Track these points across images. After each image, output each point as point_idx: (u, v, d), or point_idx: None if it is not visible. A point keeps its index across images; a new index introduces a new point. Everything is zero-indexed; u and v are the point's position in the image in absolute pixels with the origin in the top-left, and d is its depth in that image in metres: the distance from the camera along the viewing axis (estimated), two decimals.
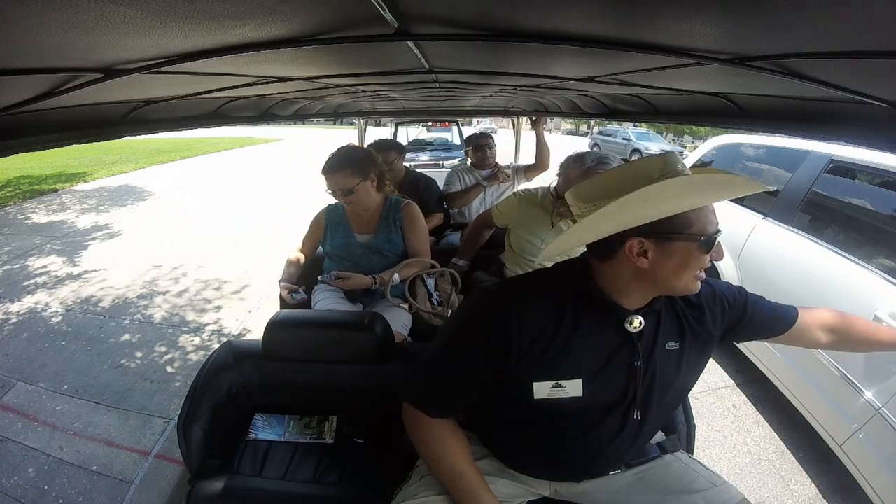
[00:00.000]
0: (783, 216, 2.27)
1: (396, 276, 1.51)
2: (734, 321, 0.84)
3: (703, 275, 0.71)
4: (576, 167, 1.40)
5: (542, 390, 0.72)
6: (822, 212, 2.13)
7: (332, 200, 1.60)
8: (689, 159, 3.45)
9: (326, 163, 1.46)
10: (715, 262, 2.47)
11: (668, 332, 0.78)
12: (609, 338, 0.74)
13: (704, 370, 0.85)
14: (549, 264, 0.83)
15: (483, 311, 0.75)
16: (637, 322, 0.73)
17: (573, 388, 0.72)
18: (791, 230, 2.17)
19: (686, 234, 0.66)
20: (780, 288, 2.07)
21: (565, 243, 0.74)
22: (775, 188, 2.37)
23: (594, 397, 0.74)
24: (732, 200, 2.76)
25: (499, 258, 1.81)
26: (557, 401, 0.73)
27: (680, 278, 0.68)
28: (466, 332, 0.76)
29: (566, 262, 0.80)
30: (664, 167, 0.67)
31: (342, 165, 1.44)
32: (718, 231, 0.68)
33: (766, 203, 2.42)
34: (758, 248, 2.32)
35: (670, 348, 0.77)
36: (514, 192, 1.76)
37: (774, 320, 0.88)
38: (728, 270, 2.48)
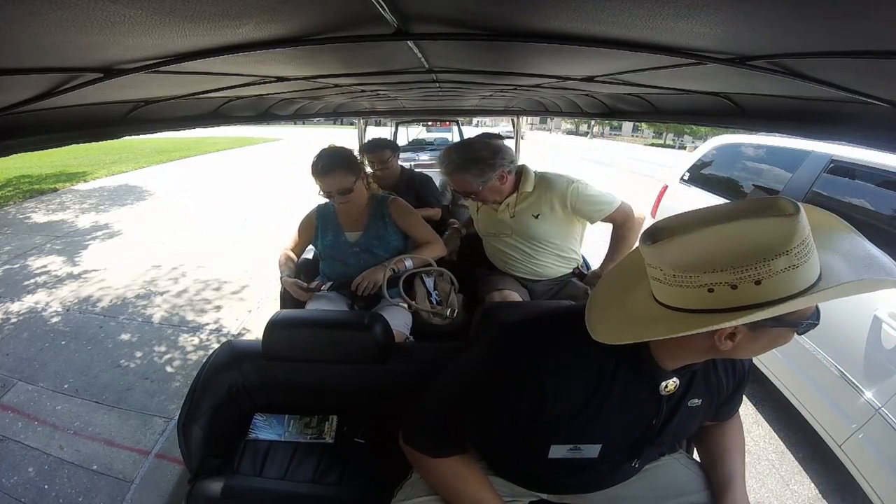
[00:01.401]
0: None
1: (409, 261, 1.53)
2: (734, 388, 0.80)
3: None
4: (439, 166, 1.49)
5: (559, 451, 0.69)
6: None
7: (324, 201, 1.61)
8: (689, 159, 3.45)
9: (319, 165, 1.43)
10: None
11: (697, 389, 0.74)
12: (639, 399, 0.69)
13: None
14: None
15: (517, 372, 0.66)
16: (672, 384, 0.68)
17: (590, 450, 0.70)
18: None
19: (785, 321, 0.54)
20: None
21: (650, 330, 0.57)
22: None
23: (608, 458, 0.72)
24: (713, 193, 2.83)
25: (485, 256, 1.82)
26: (570, 460, 0.70)
27: (753, 355, 0.62)
28: (494, 389, 0.68)
29: None
30: (790, 239, 0.48)
31: (337, 166, 1.42)
32: (817, 313, 0.57)
33: None
34: None
35: (692, 405, 0.74)
36: None
37: (734, 405, 0.85)
38: None
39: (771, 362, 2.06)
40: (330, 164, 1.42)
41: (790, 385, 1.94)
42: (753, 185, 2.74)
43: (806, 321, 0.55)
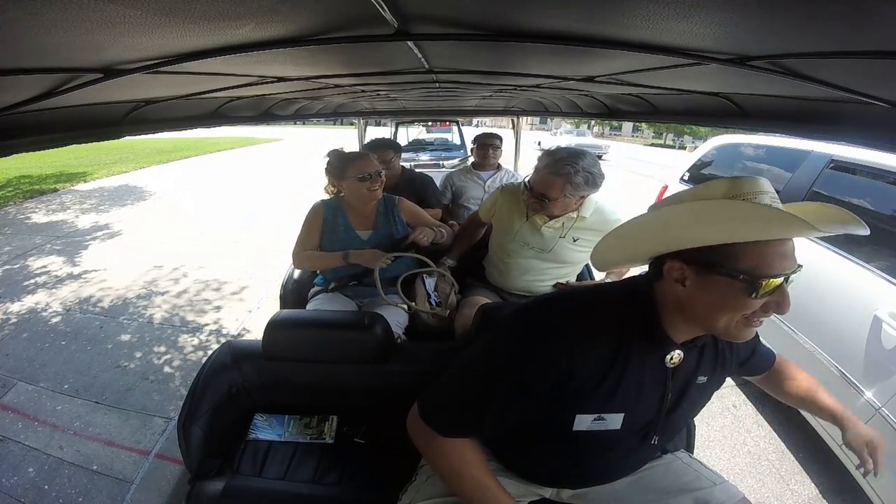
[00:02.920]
0: None
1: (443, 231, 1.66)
2: (746, 357, 0.86)
3: (757, 322, 0.61)
4: (546, 159, 1.38)
5: (584, 422, 0.70)
6: None
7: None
8: (689, 159, 3.44)
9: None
10: None
11: (705, 367, 0.76)
12: (650, 370, 0.71)
13: None
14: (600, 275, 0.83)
15: (544, 347, 0.67)
16: (677, 357, 0.70)
17: (613, 421, 0.71)
18: None
19: (727, 269, 0.57)
20: None
21: (595, 255, 0.74)
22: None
23: (628, 428, 0.73)
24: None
25: (483, 263, 1.76)
26: (595, 433, 0.71)
27: (717, 319, 0.61)
28: (520, 365, 0.68)
29: (635, 277, 0.76)
30: (730, 189, 0.58)
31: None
32: (780, 276, 0.56)
33: None
34: None
35: (700, 382, 0.76)
36: (500, 186, 1.75)
37: (762, 359, 0.92)
38: None
39: None
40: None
41: None
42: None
43: (751, 276, 0.56)
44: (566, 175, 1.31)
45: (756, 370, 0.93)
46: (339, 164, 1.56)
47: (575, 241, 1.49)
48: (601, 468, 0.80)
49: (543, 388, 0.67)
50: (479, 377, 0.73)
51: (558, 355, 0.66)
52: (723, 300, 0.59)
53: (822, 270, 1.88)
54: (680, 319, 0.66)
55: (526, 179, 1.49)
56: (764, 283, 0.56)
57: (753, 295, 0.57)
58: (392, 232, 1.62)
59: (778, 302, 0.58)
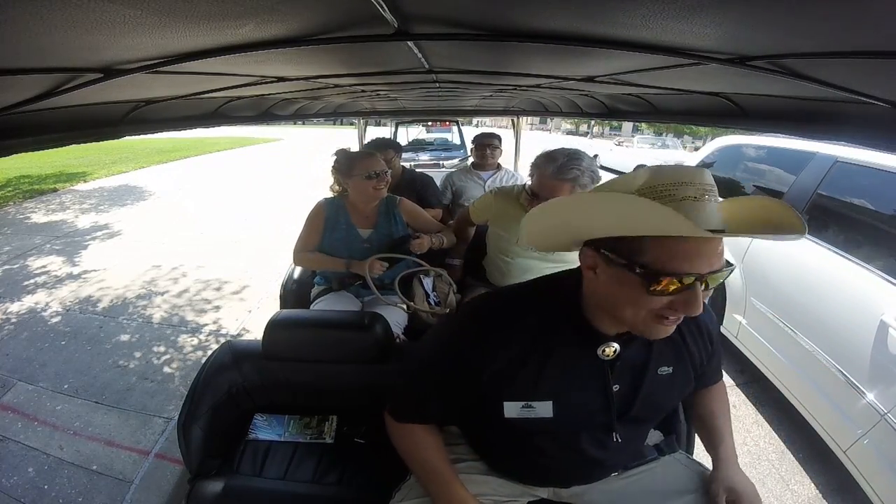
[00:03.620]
0: None
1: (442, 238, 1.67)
2: (706, 359, 0.83)
3: (669, 321, 0.59)
4: (548, 165, 1.36)
5: (513, 410, 0.72)
6: (827, 214, 2.07)
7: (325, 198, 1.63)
8: (692, 160, 3.39)
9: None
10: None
11: (663, 357, 0.75)
12: (583, 361, 0.71)
13: None
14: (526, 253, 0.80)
15: (461, 328, 0.76)
16: (610, 350, 0.70)
17: (543, 409, 0.71)
18: None
19: (628, 261, 0.56)
20: (784, 292, 2.04)
21: (523, 230, 0.68)
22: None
23: (565, 419, 0.72)
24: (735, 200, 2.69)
25: (482, 264, 1.77)
26: (527, 420, 0.72)
27: (621, 310, 0.60)
28: (445, 348, 0.77)
29: (565, 272, 0.76)
30: (649, 180, 0.56)
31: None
32: (684, 275, 0.53)
33: None
34: (762, 252, 2.27)
35: (663, 373, 0.75)
36: (490, 189, 1.75)
37: (713, 374, 0.89)
38: (732, 274, 2.48)
39: (775, 365, 2.05)
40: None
41: (795, 390, 1.92)
42: (754, 185, 2.72)
43: (647, 269, 0.54)
44: (574, 178, 1.31)
45: (703, 381, 0.88)
46: (346, 162, 1.57)
47: None
48: (577, 464, 0.79)
49: (469, 374, 0.71)
50: (419, 368, 0.81)
51: (478, 343, 0.71)
52: (623, 292, 0.58)
53: (828, 274, 1.85)
54: (600, 310, 0.67)
55: (526, 186, 1.48)
56: (664, 280, 0.53)
57: (651, 290, 0.55)
58: (392, 231, 1.62)
59: (685, 302, 0.55)
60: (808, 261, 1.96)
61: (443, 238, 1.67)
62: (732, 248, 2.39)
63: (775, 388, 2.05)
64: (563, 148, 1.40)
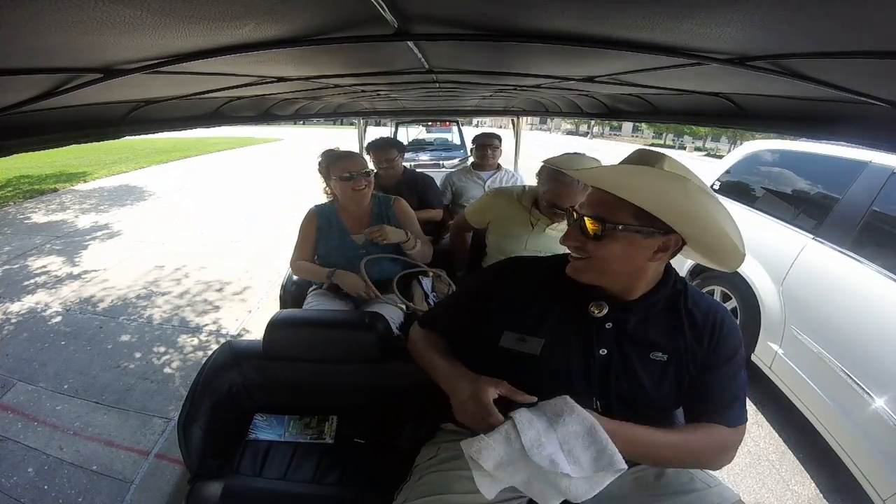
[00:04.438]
0: (837, 237, 1.90)
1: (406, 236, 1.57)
2: (714, 365, 0.76)
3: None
4: (558, 173, 1.36)
5: (509, 339, 0.80)
6: (884, 235, 1.79)
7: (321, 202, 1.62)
8: (719, 166, 2.99)
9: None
10: (752, 284, 2.03)
11: (659, 341, 0.75)
12: (577, 316, 0.77)
13: None
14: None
15: (492, 267, 0.93)
16: (599, 308, 0.75)
17: (533, 345, 0.79)
18: (847, 254, 1.82)
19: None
20: (832, 323, 1.77)
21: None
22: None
23: (547, 362, 0.78)
24: (774, 216, 2.35)
25: (481, 264, 1.75)
26: (516, 352, 0.79)
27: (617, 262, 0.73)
28: (475, 278, 0.97)
29: None
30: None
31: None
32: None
33: (817, 220, 2.07)
34: (807, 275, 1.97)
35: (655, 358, 0.75)
36: (487, 191, 1.73)
37: (710, 400, 0.77)
38: (768, 298, 2.10)
39: (815, 404, 1.80)
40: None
41: (836, 433, 1.68)
42: (791, 196, 2.39)
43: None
44: (585, 186, 1.31)
45: (714, 412, 0.78)
46: (325, 163, 1.53)
47: None
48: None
49: (485, 297, 0.85)
50: (454, 294, 1.03)
51: (499, 274, 0.88)
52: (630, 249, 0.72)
53: (884, 304, 1.62)
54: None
55: (527, 188, 1.48)
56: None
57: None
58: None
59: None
60: (862, 287, 1.71)
61: (417, 245, 1.57)
62: (772, 268, 2.13)
63: (775, 387, 2.04)
64: (565, 153, 1.41)
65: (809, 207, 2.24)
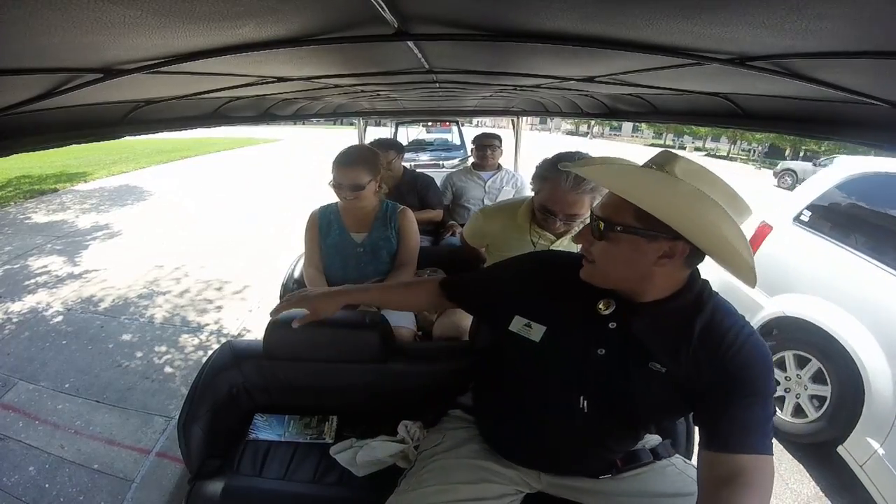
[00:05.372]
0: None
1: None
2: (719, 382, 0.68)
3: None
4: (561, 178, 1.21)
5: (517, 324, 0.83)
6: None
7: (327, 201, 1.59)
8: (806, 192, 2.33)
9: (342, 156, 1.46)
10: (855, 356, 1.72)
11: (659, 349, 0.71)
12: (585, 311, 0.77)
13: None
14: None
15: (522, 256, 0.95)
16: (605, 305, 0.75)
17: (536, 332, 0.80)
18: None
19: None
20: None
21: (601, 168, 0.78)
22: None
23: (545, 351, 0.79)
24: (868, 256, 1.79)
25: None
26: (520, 337, 0.81)
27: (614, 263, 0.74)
28: (505, 264, 0.98)
29: None
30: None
31: (358, 162, 1.45)
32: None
33: None
34: None
35: (654, 368, 0.71)
36: (477, 211, 1.58)
37: (726, 429, 0.66)
38: (878, 380, 1.58)
39: None
40: (353, 159, 1.46)
41: None
42: None
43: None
44: (593, 189, 1.21)
45: (720, 437, 0.67)
46: (333, 164, 1.47)
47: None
48: (543, 428, 0.83)
49: (511, 283, 0.89)
50: (482, 271, 1.18)
51: (524, 261, 0.92)
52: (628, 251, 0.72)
53: None
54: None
55: (531, 199, 1.35)
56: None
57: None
58: (387, 236, 1.56)
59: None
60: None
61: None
62: (887, 340, 1.60)
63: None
64: (566, 153, 1.28)
65: None
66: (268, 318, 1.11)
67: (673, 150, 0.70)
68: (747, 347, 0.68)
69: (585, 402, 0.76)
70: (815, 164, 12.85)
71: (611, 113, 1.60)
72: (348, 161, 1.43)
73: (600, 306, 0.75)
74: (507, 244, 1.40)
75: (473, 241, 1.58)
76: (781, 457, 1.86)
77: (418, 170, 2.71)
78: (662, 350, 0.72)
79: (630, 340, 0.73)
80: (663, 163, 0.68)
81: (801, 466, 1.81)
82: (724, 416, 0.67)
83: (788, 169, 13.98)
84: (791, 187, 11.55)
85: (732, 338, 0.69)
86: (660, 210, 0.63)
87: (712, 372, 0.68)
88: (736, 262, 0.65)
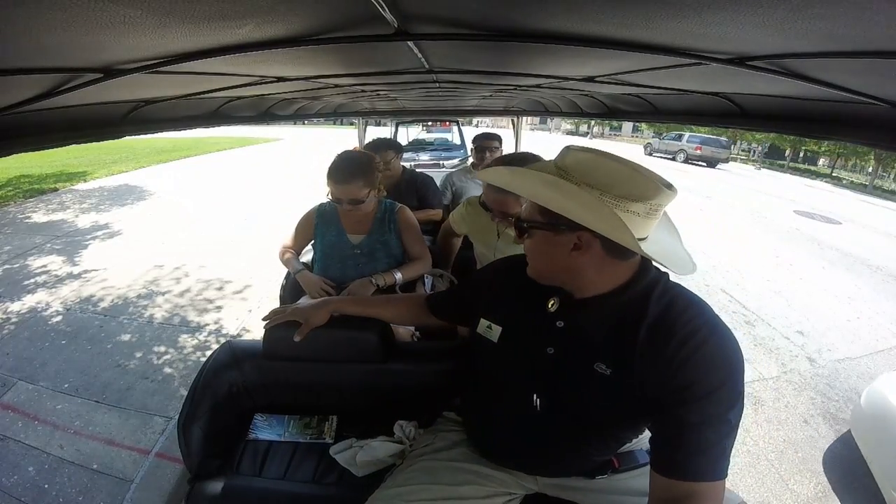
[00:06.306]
0: None
1: (399, 274, 1.50)
2: (666, 393, 0.62)
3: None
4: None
5: (482, 325, 0.86)
6: None
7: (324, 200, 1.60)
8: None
9: (336, 171, 1.40)
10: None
11: (605, 352, 0.68)
12: (537, 310, 0.78)
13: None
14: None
15: (490, 264, 1.02)
16: (553, 302, 0.75)
17: (495, 332, 0.83)
18: None
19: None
20: None
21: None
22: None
23: (501, 351, 0.82)
24: None
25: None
26: (483, 339, 0.85)
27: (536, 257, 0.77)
28: (476, 273, 1.09)
29: None
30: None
31: (354, 176, 1.40)
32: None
33: None
34: None
35: (599, 370, 0.68)
36: (466, 199, 1.66)
37: (674, 448, 0.61)
38: None
39: None
40: (348, 174, 1.41)
41: None
42: None
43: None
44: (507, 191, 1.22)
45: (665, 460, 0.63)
46: (328, 178, 1.44)
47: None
48: (505, 424, 0.83)
49: (479, 289, 0.94)
50: (457, 284, 1.26)
51: (495, 271, 0.95)
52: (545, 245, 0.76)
53: None
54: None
55: (481, 198, 1.43)
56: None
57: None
58: (386, 238, 1.57)
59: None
60: None
61: (396, 278, 1.49)
62: None
63: (775, 388, 2.03)
64: (514, 153, 1.40)
65: None
66: None
67: (573, 144, 0.72)
68: (707, 347, 0.61)
69: (538, 400, 0.76)
70: (660, 139, 17.40)
71: (611, 113, 1.60)
72: (343, 177, 1.41)
73: (549, 304, 0.76)
74: (481, 233, 1.55)
75: (457, 227, 1.69)
76: (782, 457, 1.87)
77: (418, 169, 2.70)
78: (609, 350, 0.68)
79: (576, 340, 0.72)
80: (560, 158, 0.70)
81: (801, 467, 1.81)
82: (675, 436, 0.61)
83: (648, 143, 18.51)
84: (650, 154, 16.94)
85: (687, 335, 0.61)
86: (552, 203, 0.66)
87: (663, 375, 0.62)
88: (627, 241, 0.59)
